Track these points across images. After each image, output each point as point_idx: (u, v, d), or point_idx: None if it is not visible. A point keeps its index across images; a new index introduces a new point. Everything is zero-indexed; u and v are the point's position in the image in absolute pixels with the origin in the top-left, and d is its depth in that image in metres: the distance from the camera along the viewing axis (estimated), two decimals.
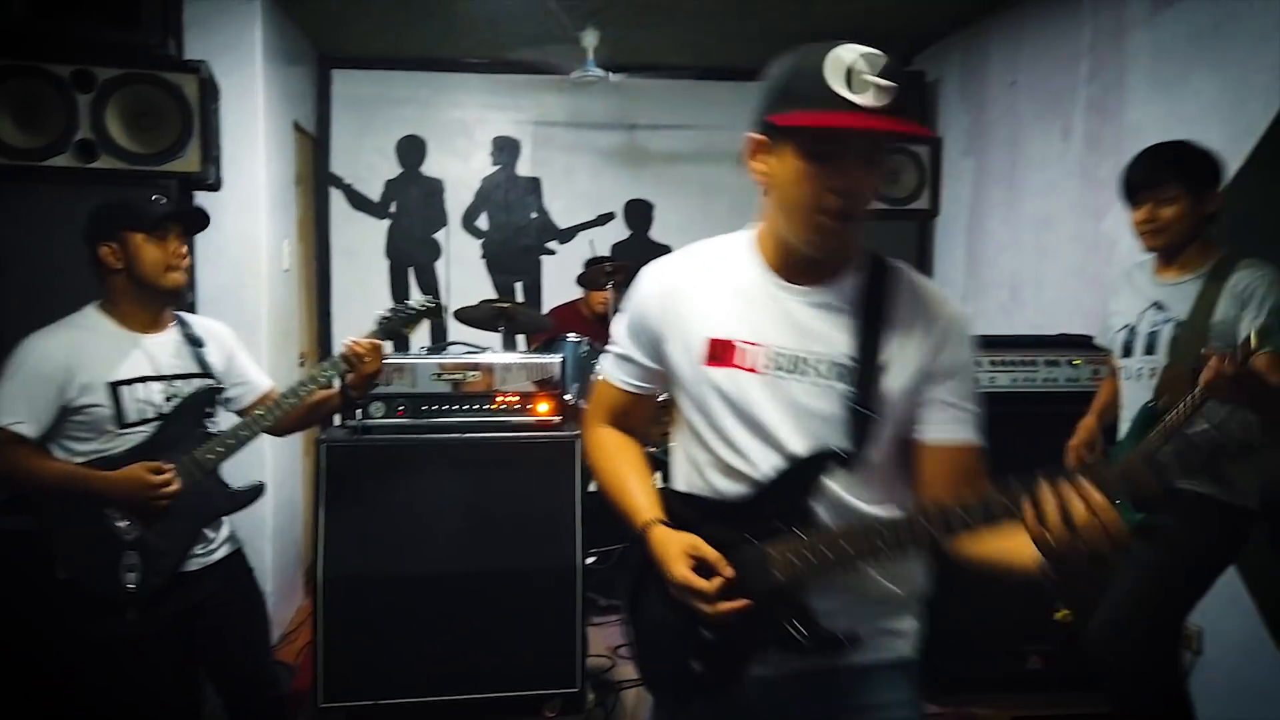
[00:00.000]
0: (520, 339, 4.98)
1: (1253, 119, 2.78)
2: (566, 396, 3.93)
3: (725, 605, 1.30)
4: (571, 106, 5.23)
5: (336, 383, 2.35)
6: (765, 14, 4.18)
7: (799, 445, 1.33)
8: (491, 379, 2.98)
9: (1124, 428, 2.48)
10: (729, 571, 1.31)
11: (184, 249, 2.23)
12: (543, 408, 3.02)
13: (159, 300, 2.21)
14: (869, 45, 1.23)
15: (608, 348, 1.56)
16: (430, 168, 5.20)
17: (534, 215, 5.32)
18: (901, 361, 1.32)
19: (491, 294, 5.21)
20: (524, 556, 2.94)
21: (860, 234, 1.31)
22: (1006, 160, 4.11)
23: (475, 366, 2.96)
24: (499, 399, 2.96)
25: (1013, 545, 1.18)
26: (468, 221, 5.26)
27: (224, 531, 2.30)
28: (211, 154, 3.06)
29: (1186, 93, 3.06)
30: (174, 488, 2.08)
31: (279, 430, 2.39)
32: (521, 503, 2.96)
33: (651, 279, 1.46)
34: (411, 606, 2.89)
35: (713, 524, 1.36)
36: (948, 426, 1.34)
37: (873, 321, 1.32)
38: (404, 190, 5.18)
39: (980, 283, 4.30)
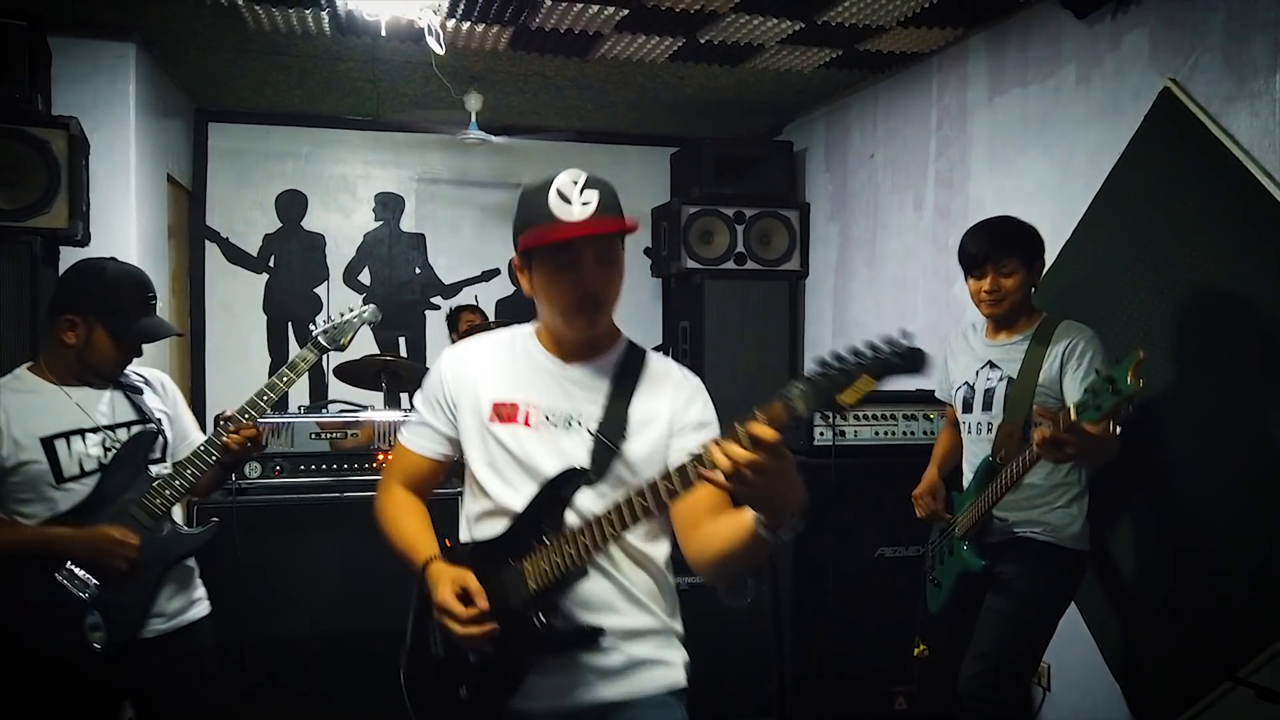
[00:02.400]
0: (405, 396, 4.97)
1: (1076, 197, 3.09)
2: None
3: (475, 628, 1.50)
4: (456, 164, 5.31)
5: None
6: (642, 85, 4.38)
7: None
8: (371, 436, 2.98)
9: (967, 479, 2.69)
10: (484, 604, 1.51)
11: (141, 353, 2.19)
12: None
13: (94, 380, 2.15)
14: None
15: (408, 419, 1.78)
16: (311, 222, 5.17)
17: (418, 271, 5.34)
18: (651, 417, 1.60)
19: (374, 349, 5.17)
20: (406, 616, 2.92)
21: (609, 318, 1.61)
22: (867, 227, 4.39)
23: (354, 424, 2.97)
24: (379, 457, 2.97)
25: (726, 524, 1.44)
26: (350, 276, 5.24)
27: (193, 594, 2.24)
28: (79, 210, 3.01)
29: (1021, 170, 3.38)
30: (134, 550, 2.02)
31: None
32: (404, 561, 2.95)
33: (449, 358, 1.72)
34: (291, 669, 2.84)
35: (484, 563, 1.56)
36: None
37: (627, 387, 1.61)
38: (284, 245, 5.12)
39: (846, 340, 4.52)
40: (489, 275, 5.42)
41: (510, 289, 5.46)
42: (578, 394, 1.61)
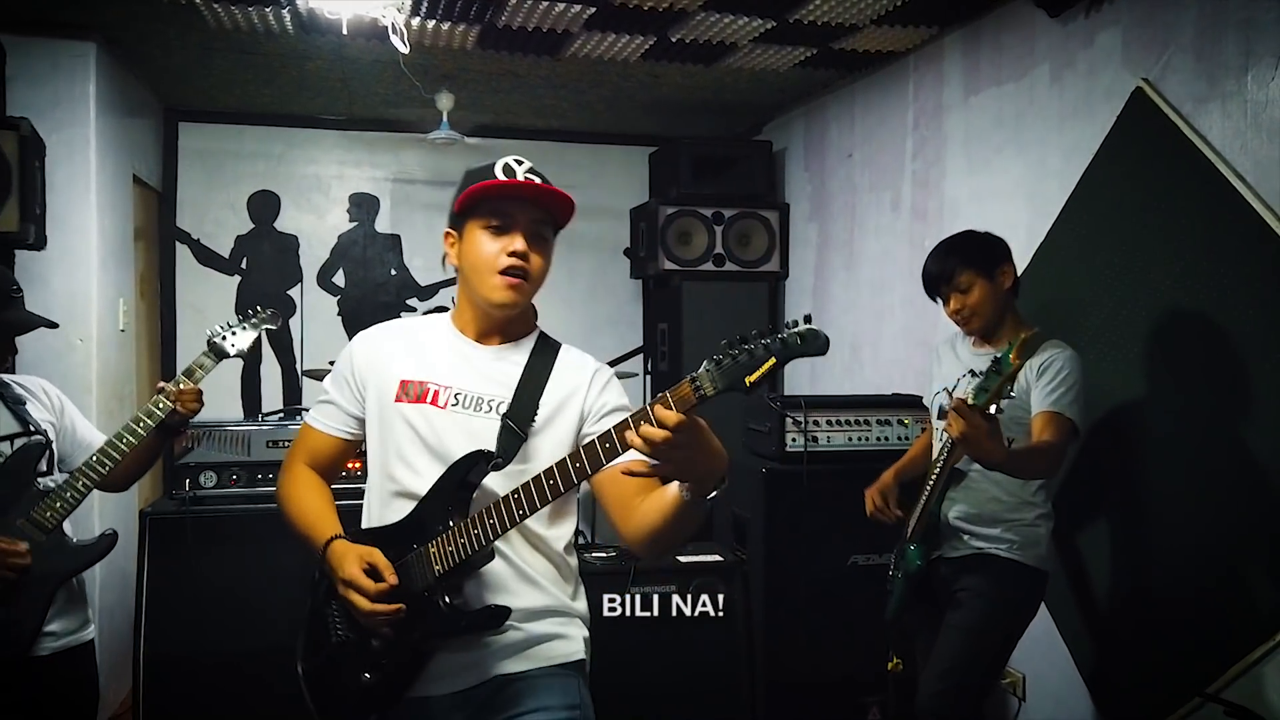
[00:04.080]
0: None
1: (1050, 197, 3.03)
2: None
3: (381, 606, 1.48)
4: (431, 164, 5.24)
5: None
6: (616, 84, 4.32)
7: None
8: None
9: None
10: (393, 578, 1.50)
11: (13, 347, 2.15)
12: None
13: None
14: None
15: (317, 399, 1.75)
16: (284, 223, 5.10)
17: (393, 272, 5.27)
18: (561, 404, 1.61)
19: None
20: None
21: (529, 297, 1.62)
22: (845, 227, 4.33)
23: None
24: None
25: (655, 500, 1.47)
26: (324, 278, 5.17)
27: (79, 617, 2.17)
28: (32, 212, 2.94)
29: (996, 170, 3.32)
30: (26, 560, 1.97)
31: (114, 482, 2.27)
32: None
33: (361, 337, 1.71)
34: (245, 685, 2.77)
35: (387, 547, 1.54)
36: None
37: (539, 374, 1.62)
38: (256, 246, 5.05)
39: None
40: None
41: None
42: (489, 377, 1.62)
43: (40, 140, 3.10)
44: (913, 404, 3.42)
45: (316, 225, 5.15)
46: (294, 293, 5.11)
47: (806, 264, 4.69)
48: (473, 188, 1.56)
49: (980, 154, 3.42)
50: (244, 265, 5.04)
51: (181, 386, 2.23)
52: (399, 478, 1.59)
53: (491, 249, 1.56)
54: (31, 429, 2.14)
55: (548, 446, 1.58)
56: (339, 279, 5.19)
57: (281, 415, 3.31)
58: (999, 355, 2.16)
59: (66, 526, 2.16)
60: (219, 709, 2.74)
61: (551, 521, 1.62)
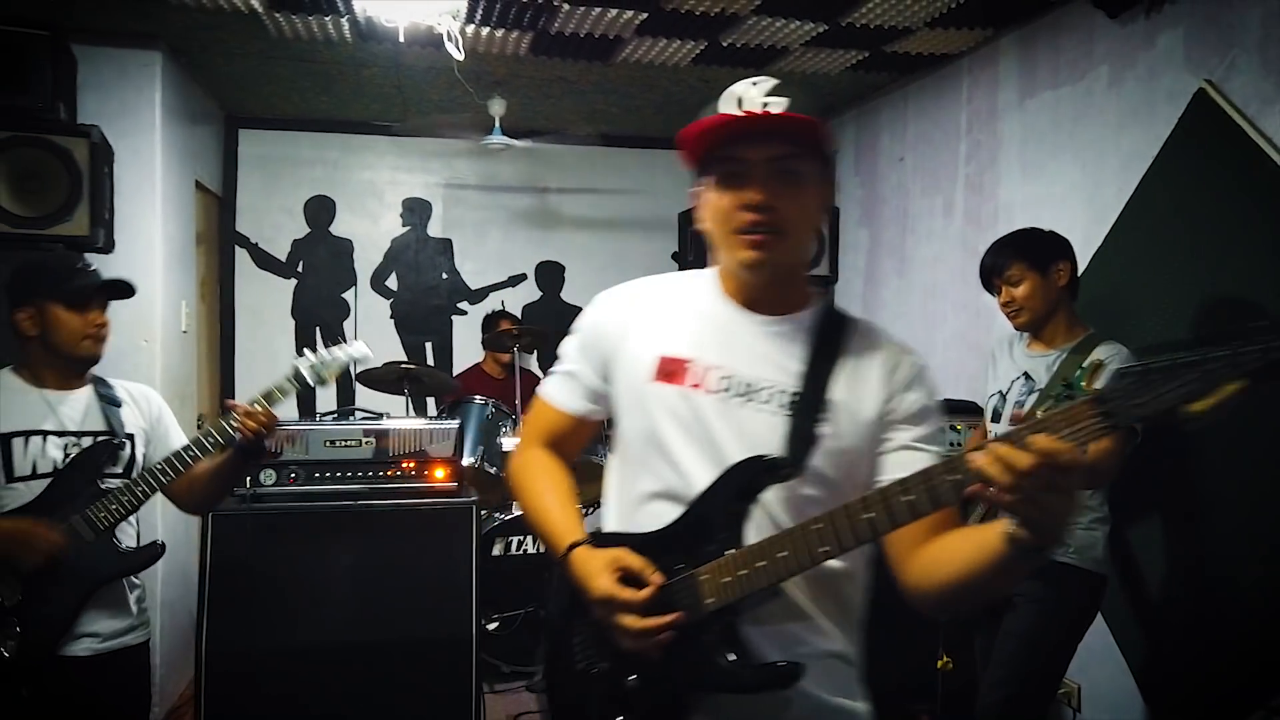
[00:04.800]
0: (430, 402, 4.98)
1: (1108, 201, 2.98)
2: (467, 461, 3.94)
3: (654, 620, 1.20)
4: (483, 169, 5.30)
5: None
6: (666, 88, 4.33)
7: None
8: (388, 445, 2.97)
9: None
10: (658, 578, 1.22)
11: (104, 318, 2.20)
12: (439, 474, 3.02)
13: (75, 365, 2.18)
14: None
15: (553, 368, 1.49)
16: (339, 228, 5.20)
17: (445, 276, 5.35)
18: (855, 398, 1.26)
19: (401, 355, 5.19)
20: (420, 625, 2.91)
21: (793, 257, 1.30)
22: (897, 232, 4.30)
23: (371, 432, 2.95)
24: (395, 465, 2.95)
25: (965, 544, 1.15)
26: (377, 281, 5.26)
27: (129, 620, 2.20)
28: (101, 217, 3.04)
29: (1052, 175, 3.28)
30: (55, 545, 2.00)
31: (190, 502, 2.33)
32: (417, 570, 2.93)
33: (610, 296, 1.43)
34: (303, 680, 2.82)
35: (649, 557, 1.26)
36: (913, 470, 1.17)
37: (827, 355, 1.29)
38: (312, 250, 5.15)
39: None
40: (515, 280, 5.41)
41: (538, 294, 5.45)
42: (764, 356, 1.29)
43: (109, 147, 3.21)
44: (966, 410, 3.37)
45: (370, 230, 5.24)
46: (348, 296, 5.21)
47: (856, 268, 4.67)
48: (686, 132, 1.24)
49: (1036, 158, 3.37)
50: (300, 269, 5.14)
51: (254, 408, 2.19)
52: (661, 475, 1.30)
53: (727, 205, 1.25)
54: (117, 430, 2.19)
55: (838, 454, 1.25)
56: (392, 282, 5.28)
57: (335, 415, 3.37)
58: (1070, 380, 2.08)
59: (128, 531, 2.22)
60: (277, 702, 2.80)
61: (848, 555, 1.24)
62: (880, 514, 1.10)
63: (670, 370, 1.31)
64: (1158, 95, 2.81)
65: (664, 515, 1.29)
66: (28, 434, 2.08)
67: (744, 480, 1.23)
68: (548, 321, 5.29)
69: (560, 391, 1.46)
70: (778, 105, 1.22)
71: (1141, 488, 2.78)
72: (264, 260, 5.10)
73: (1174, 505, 2.72)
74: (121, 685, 2.18)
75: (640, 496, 1.33)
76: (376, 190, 5.25)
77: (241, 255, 5.07)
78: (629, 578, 1.24)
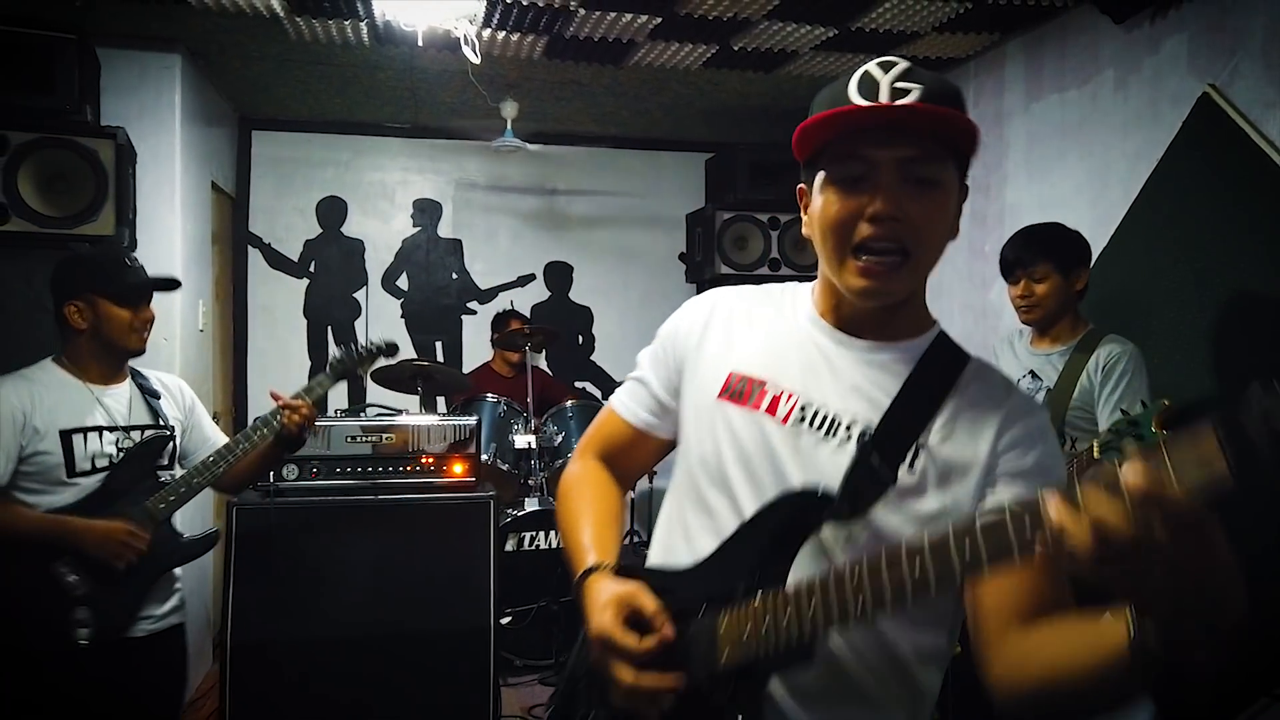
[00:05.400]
0: (440, 400, 5.04)
1: (1113, 204, 3.05)
2: (483, 457, 4.00)
3: (651, 679, 1.01)
4: (493, 171, 5.36)
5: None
6: (676, 91, 4.39)
7: None
8: (406, 440, 3.03)
9: None
10: (669, 630, 1.02)
11: (150, 312, 2.27)
12: (457, 469, 3.07)
13: (119, 358, 2.25)
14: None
15: (629, 375, 1.33)
16: (351, 228, 5.25)
17: (455, 276, 5.40)
18: (954, 449, 1.05)
19: (411, 353, 5.25)
20: (438, 618, 2.97)
21: (916, 284, 1.10)
22: None
23: (390, 428, 3.01)
24: (414, 461, 3.01)
25: (1071, 632, 0.91)
26: (388, 281, 5.31)
27: (173, 601, 2.28)
28: (126, 217, 3.09)
29: (1058, 177, 3.34)
30: (145, 547, 2.09)
31: (228, 482, 2.41)
32: (436, 564, 3.00)
33: (693, 303, 1.28)
34: (324, 671, 2.88)
35: (672, 595, 1.08)
36: None
37: (929, 392, 1.08)
38: (323, 250, 5.21)
39: None
40: (524, 280, 5.47)
41: (546, 294, 5.50)
42: (855, 388, 1.10)
43: (133, 149, 3.26)
44: None
45: (381, 230, 5.30)
46: (359, 295, 5.26)
47: None
48: (806, 123, 1.05)
49: (1042, 161, 3.43)
50: (312, 269, 5.20)
51: (296, 401, 2.32)
52: (712, 506, 1.13)
53: (841, 213, 1.05)
54: (161, 423, 2.26)
55: (923, 503, 1.04)
56: (402, 282, 5.33)
57: (349, 412, 3.45)
58: (1138, 418, 2.08)
59: (176, 519, 2.29)
60: (299, 691, 2.86)
61: (916, 620, 1.05)
62: (935, 565, 0.85)
63: (740, 390, 1.14)
64: (1162, 99, 2.88)
65: (699, 552, 1.13)
66: (86, 430, 2.14)
67: (788, 515, 1.04)
68: (556, 321, 5.35)
69: (625, 399, 1.31)
70: (913, 95, 1.02)
71: None
72: (276, 260, 5.15)
73: None
74: (168, 664, 2.28)
75: (687, 528, 1.17)
76: (388, 191, 5.30)
77: (254, 255, 5.13)
78: (637, 620, 1.04)
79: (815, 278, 1.20)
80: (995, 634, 0.99)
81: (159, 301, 3.66)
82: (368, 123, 5.15)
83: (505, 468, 4.11)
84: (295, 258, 5.18)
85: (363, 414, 3.25)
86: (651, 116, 4.92)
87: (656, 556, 1.22)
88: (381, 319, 5.26)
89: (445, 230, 5.38)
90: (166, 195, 3.72)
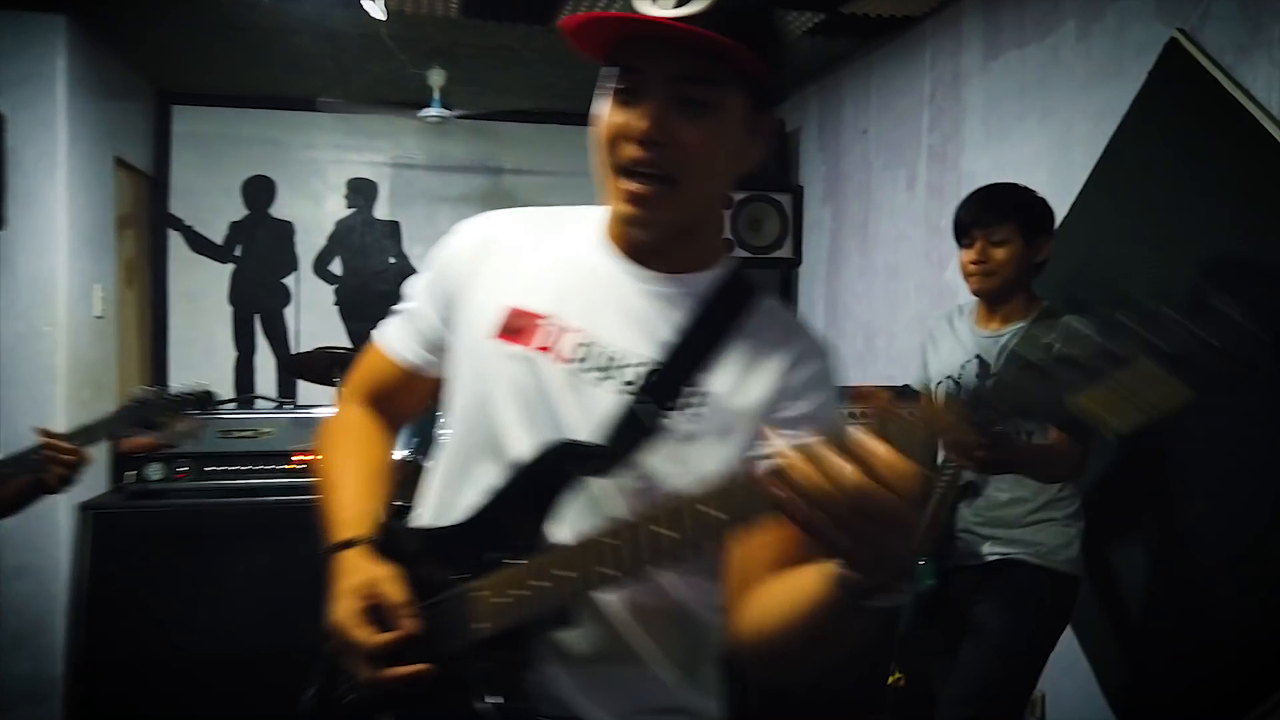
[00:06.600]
0: None
1: (1076, 166, 2.74)
2: (403, 454, 3.69)
3: (391, 671, 0.96)
4: (432, 148, 5.05)
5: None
6: None
7: None
8: (289, 436, 2.73)
9: None
10: (409, 625, 0.97)
11: None
12: None
13: None
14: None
15: (395, 307, 1.21)
16: (280, 209, 4.95)
17: (392, 260, 5.10)
18: (736, 390, 0.99)
19: (344, 341, 4.94)
20: (319, 631, 2.67)
21: (687, 214, 1.00)
22: (860, 209, 4.06)
23: (270, 422, 2.71)
24: (295, 458, 2.71)
25: (787, 585, 0.89)
26: (320, 266, 5.01)
27: None
28: None
29: (1017, 141, 3.04)
30: None
31: None
32: (322, 571, 2.69)
33: (471, 225, 1.15)
34: (198, 690, 2.59)
35: (430, 561, 1.02)
36: None
37: (711, 331, 1.01)
38: (250, 233, 4.90)
39: (839, 332, 4.22)
40: None
41: None
42: (639, 323, 1.02)
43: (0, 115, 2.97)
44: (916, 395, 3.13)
45: (313, 211, 5.00)
46: (289, 281, 4.96)
47: (820, 249, 4.42)
48: (579, 19, 0.96)
49: (1000, 124, 3.13)
50: (238, 253, 4.89)
51: (61, 445, 1.89)
52: (484, 458, 1.03)
53: (609, 129, 0.98)
54: None
55: (698, 451, 0.97)
56: (336, 267, 5.03)
57: (236, 404, 3.13)
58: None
59: None
60: (163, 715, 2.56)
61: (694, 569, 0.98)
62: (679, 523, 0.82)
63: (518, 327, 1.04)
64: (1127, 49, 2.57)
65: (465, 509, 1.03)
66: None
67: (552, 469, 0.96)
68: None
69: (397, 334, 1.18)
70: (695, 5, 0.92)
71: (1115, 484, 2.54)
72: (199, 244, 4.84)
73: (1149, 503, 2.48)
74: None
75: (459, 481, 1.06)
76: (319, 170, 5.00)
77: (176, 239, 4.82)
78: (378, 611, 0.99)
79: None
80: (736, 590, 0.97)
81: (40, 287, 3.39)
82: (296, 97, 4.83)
83: (430, 465, 3.81)
84: (220, 241, 4.87)
85: (255, 403, 2.95)
86: (594, 88, 4.60)
87: (428, 513, 1.11)
88: (313, 306, 4.96)
89: (382, 211, 5.07)
90: (48, 169, 3.41)
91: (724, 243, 1.11)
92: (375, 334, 1.22)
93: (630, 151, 0.96)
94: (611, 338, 1.02)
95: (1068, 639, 2.63)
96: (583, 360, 1.01)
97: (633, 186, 0.97)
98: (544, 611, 0.92)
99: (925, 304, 3.51)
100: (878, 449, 0.72)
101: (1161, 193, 2.44)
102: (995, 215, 2.23)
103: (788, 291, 4.61)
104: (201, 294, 4.83)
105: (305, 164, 4.97)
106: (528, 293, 1.06)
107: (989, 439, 1.80)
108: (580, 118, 4.75)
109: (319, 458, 1.21)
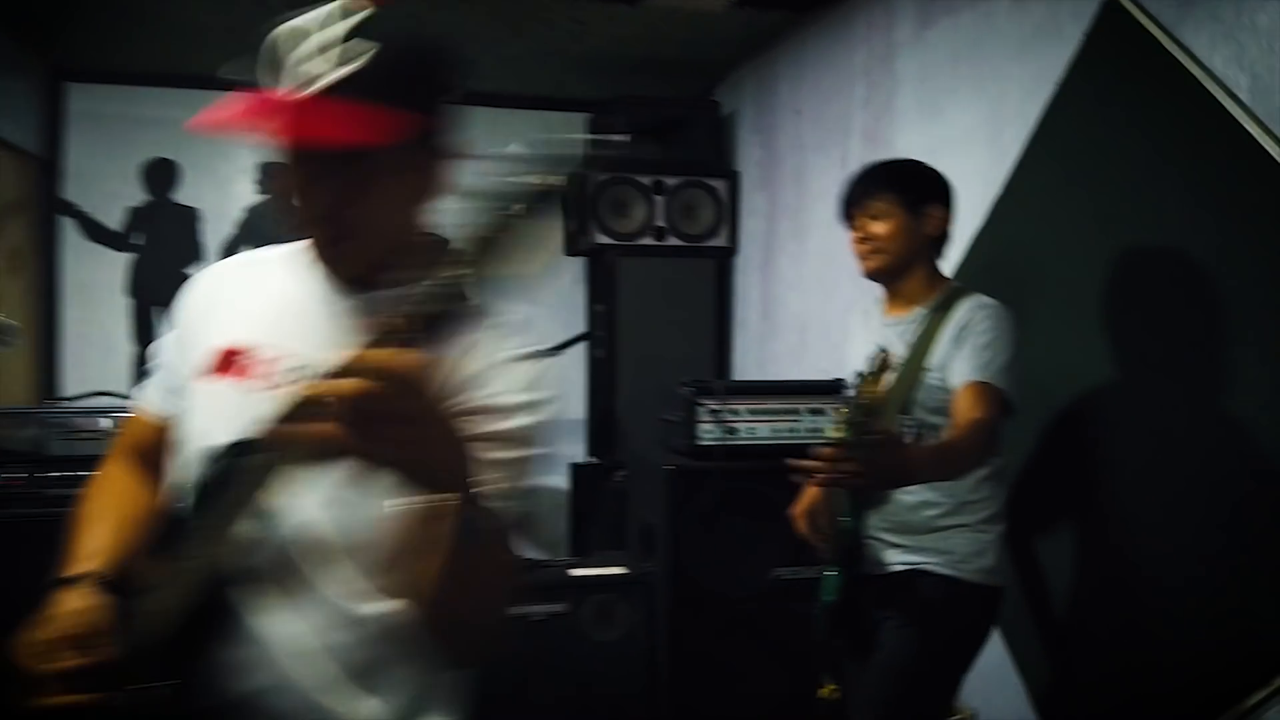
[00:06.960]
0: None
1: (1011, 140, 2.54)
2: None
3: (67, 698, 0.99)
4: None
5: None
6: (541, 33, 3.84)
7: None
8: None
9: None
10: (101, 653, 0.99)
11: None
12: None
13: None
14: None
15: (145, 367, 1.28)
16: (185, 195, 4.63)
17: None
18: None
19: None
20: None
21: (377, 249, 1.03)
22: (793, 193, 3.85)
23: (118, 421, 2.43)
24: None
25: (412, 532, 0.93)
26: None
27: None
28: None
29: (951, 116, 2.84)
30: None
31: None
32: None
33: (198, 279, 1.23)
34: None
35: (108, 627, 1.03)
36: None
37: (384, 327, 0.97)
38: (152, 219, 4.58)
39: (773, 324, 4.01)
40: None
41: None
42: (339, 340, 0.96)
43: None
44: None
45: (221, 197, 4.68)
46: (194, 270, 4.64)
47: (756, 237, 4.21)
48: (202, 121, 1.04)
49: (933, 98, 2.93)
50: (138, 241, 4.57)
51: None
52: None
53: (286, 190, 1.06)
54: None
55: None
56: None
57: (80, 400, 2.84)
58: (862, 372, 1.79)
59: None
60: None
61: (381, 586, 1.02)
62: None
63: (226, 363, 1.09)
64: (1063, 12, 2.37)
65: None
66: None
67: (216, 473, 0.97)
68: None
69: (149, 393, 1.24)
70: (334, 70, 0.96)
71: (1044, 483, 2.35)
72: (95, 231, 4.51)
73: (1082, 503, 2.28)
74: None
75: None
76: (227, 153, 4.68)
77: (69, 225, 4.49)
78: (79, 640, 1.01)
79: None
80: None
81: None
82: (202, 75, 4.48)
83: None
84: (118, 228, 4.54)
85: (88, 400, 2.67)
86: (520, 67, 4.36)
87: None
88: None
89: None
90: None
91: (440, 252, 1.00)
92: (133, 399, 1.29)
93: (304, 216, 1.03)
94: (323, 356, 0.98)
95: (998, 652, 2.44)
96: (294, 382, 1.03)
97: (319, 239, 1.04)
98: (200, 585, 0.94)
99: (859, 293, 3.27)
100: (369, 355, 0.74)
101: (1096, 166, 2.25)
102: (869, 189, 2.10)
103: (724, 283, 4.39)
104: (97, 285, 4.49)
105: (212, 146, 4.66)
106: (239, 329, 1.11)
107: (866, 450, 1.60)
108: (502, 100, 4.43)
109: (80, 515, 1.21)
